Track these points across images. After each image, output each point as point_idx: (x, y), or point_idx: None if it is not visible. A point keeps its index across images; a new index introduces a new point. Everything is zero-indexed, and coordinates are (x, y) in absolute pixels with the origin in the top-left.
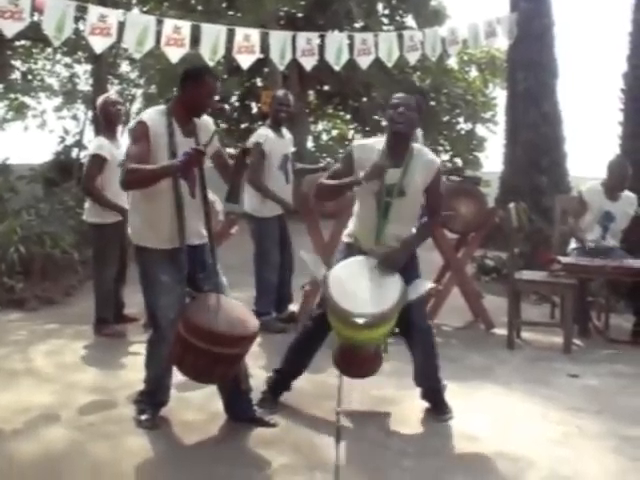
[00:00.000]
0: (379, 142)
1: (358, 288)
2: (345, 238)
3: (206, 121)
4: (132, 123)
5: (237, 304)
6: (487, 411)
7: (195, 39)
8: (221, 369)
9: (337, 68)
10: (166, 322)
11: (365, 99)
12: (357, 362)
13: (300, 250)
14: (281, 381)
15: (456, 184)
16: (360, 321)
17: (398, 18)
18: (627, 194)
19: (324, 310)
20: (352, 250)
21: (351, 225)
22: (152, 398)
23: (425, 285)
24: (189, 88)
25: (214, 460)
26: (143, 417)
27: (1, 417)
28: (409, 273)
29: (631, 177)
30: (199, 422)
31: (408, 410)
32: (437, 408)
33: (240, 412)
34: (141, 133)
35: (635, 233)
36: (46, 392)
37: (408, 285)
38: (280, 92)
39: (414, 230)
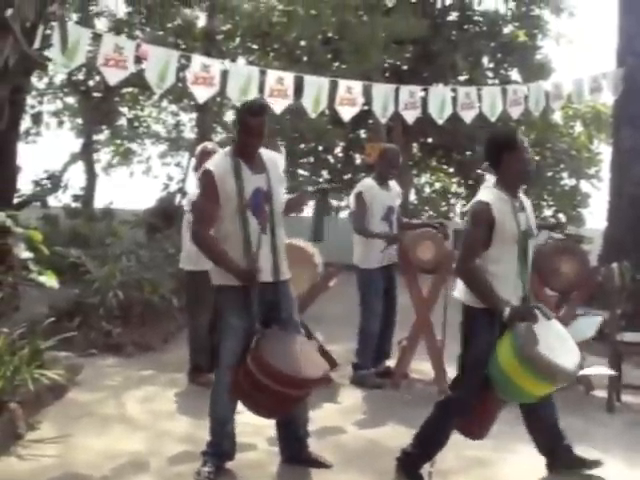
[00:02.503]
0: (492, 191)
1: (554, 345)
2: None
3: (275, 158)
4: (199, 172)
5: (307, 342)
6: (585, 476)
7: (298, 90)
8: (285, 407)
9: (440, 122)
10: (225, 365)
11: (469, 152)
12: None
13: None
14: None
15: (558, 242)
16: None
17: (503, 72)
18: None
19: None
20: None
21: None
22: (217, 448)
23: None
24: (237, 128)
25: None
26: (205, 469)
27: (91, 462)
28: None
29: None
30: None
31: (502, 473)
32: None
33: (295, 453)
34: (207, 183)
35: None
36: (137, 439)
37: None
38: (392, 148)
39: None
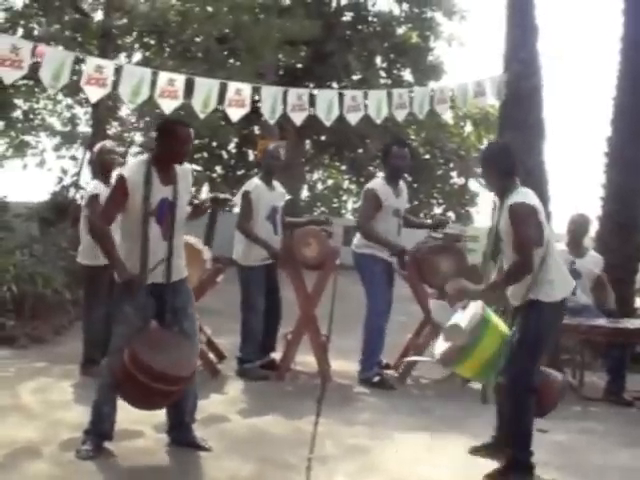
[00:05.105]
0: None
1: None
2: None
3: (187, 170)
4: (116, 174)
5: (184, 343)
6: (457, 463)
7: (189, 91)
8: (156, 401)
9: (328, 123)
10: (114, 349)
11: (360, 150)
12: None
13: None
14: None
15: (437, 240)
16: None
17: (395, 72)
18: (593, 253)
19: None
20: None
21: None
22: (96, 427)
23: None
24: (164, 141)
25: None
26: (84, 447)
27: None
28: None
29: (608, 237)
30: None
31: (379, 459)
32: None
33: (180, 437)
34: (117, 187)
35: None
36: (31, 428)
37: None
38: (271, 146)
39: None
